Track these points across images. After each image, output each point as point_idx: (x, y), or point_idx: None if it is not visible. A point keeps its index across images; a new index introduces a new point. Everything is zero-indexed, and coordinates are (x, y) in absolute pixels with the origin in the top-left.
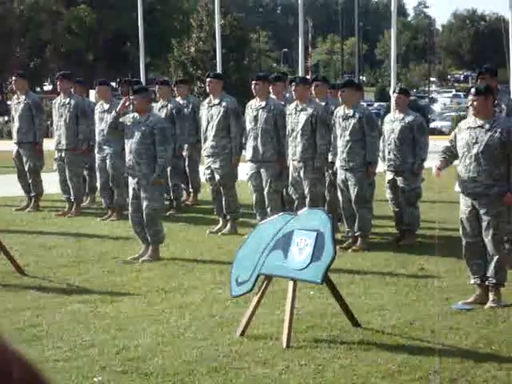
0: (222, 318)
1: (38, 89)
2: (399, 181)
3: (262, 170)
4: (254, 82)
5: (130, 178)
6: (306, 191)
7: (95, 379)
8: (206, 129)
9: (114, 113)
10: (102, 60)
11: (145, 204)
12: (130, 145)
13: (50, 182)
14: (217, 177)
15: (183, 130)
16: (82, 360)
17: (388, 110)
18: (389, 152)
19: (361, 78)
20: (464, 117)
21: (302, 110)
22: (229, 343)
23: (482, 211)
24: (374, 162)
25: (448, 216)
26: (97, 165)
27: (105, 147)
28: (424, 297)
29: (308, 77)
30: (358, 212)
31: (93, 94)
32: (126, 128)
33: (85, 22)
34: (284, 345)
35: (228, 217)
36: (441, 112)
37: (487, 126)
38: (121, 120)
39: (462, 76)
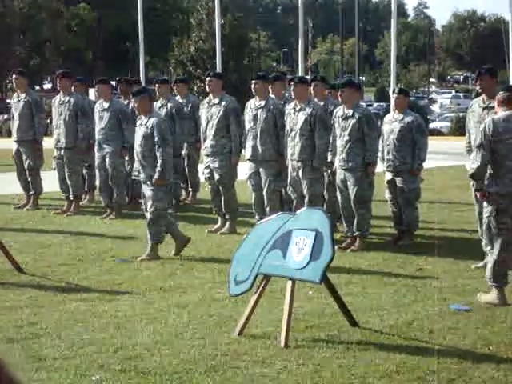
0: (221, 317)
1: (38, 87)
2: (398, 181)
3: (261, 170)
4: (253, 81)
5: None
6: (305, 191)
7: (93, 378)
8: (206, 128)
9: None
10: (101, 59)
11: (149, 204)
12: (136, 148)
13: (50, 181)
14: (216, 176)
15: (182, 129)
16: (80, 358)
17: (387, 111)
18: (388, 152)
19: (360, 78)
20: (463, 118)
21: (300, 109)
22: (227, 342)
23: None
24: (374, 162)
25: (447, 216)
26: (96, 163)
27: (104, 146)
28: (422, 297)
29: (307, 77)
30: (356, 212)
31: (92, 93)
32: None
33: (85, 20)
34: (282, 344)
35: (227, 216)
36: (440, 113)
37: None
38: None
39: (462, 77)
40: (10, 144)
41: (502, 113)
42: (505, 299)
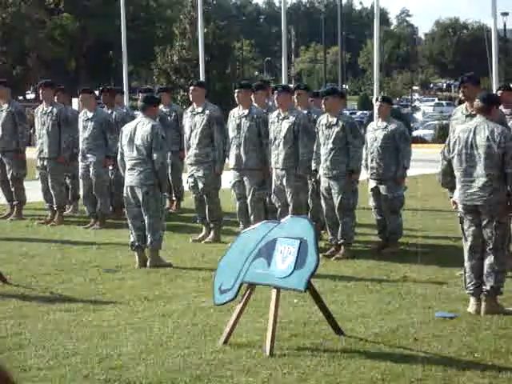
0: (205, 326)
1: (21, 97)
2: (382, 189)
3: (245, 179)
4: (236, 90)
5: None
6: (289, 199)
7: None
8: (190, 137)
9: None
10: (84, 68)
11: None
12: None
13: (33, 191)
14: (200, 185)
15: (166, 138)
16: (64, 368)
17: (371, 119)
18: (372, 160)
19: (344, 86)
20: (447, 125)
21: (284, 118)
22: (212, 351)
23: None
24: (357, 169)
25: (430, 224)
26: (80, 173)
27: (88, 155)
28: (407, 305)
29: (291, 85)
30: (341, 220)
31: (76, 102)
32: None
33: (68, 30)
34: (267, 353)
35: (211, 225)
36: (423, 120)
37: None
38: None
39: (445, 84)
40: None
41: (474, 120)
42: (476, 308)
